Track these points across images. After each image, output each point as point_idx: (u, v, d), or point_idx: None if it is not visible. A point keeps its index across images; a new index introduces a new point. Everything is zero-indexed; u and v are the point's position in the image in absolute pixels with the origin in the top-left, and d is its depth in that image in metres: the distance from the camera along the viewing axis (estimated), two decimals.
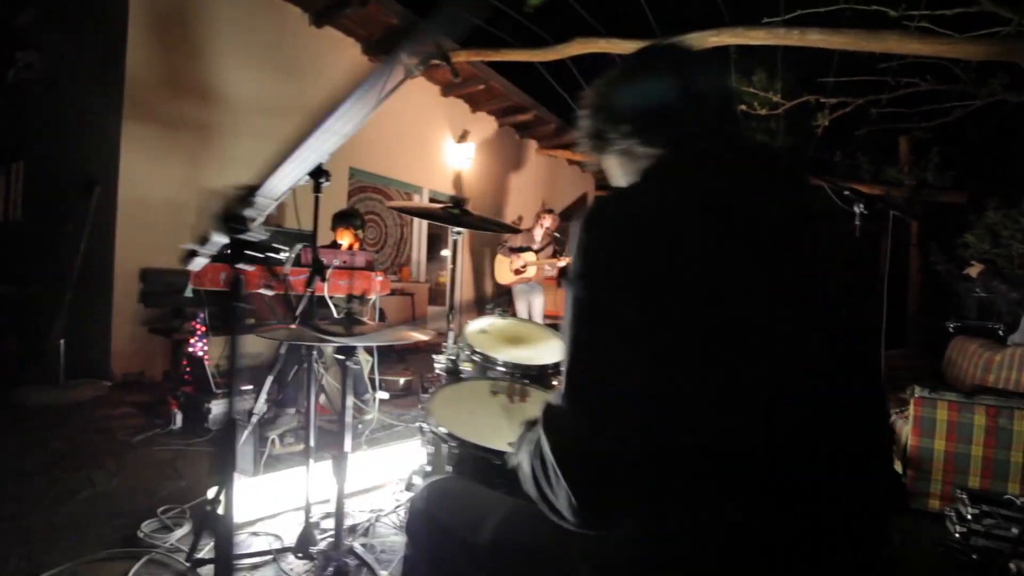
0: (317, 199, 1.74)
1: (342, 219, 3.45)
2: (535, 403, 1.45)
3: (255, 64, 4.91)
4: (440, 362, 1.76)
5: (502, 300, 8.25)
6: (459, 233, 2.05)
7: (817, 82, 4.80)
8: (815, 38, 3.81)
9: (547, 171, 9.58)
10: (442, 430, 1.20)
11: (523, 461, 0.75)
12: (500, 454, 1.10)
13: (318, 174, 1.70)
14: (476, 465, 1.14)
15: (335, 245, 3.54)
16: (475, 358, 1.62)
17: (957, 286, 6.34)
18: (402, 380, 4.35)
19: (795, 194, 0.76)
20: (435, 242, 7.43)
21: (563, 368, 0.69)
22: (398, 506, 2.24)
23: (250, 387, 3.36)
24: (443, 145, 7.14)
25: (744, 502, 0.64)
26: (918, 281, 6.72)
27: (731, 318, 0.66)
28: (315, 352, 3.31)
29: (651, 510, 0.67)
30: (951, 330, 4.05)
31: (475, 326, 1.81)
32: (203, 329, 3.60)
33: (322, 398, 3.49)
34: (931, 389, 2.70)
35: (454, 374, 1.66)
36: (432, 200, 7.11)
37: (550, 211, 5.70)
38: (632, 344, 0.65)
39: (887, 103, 4.58)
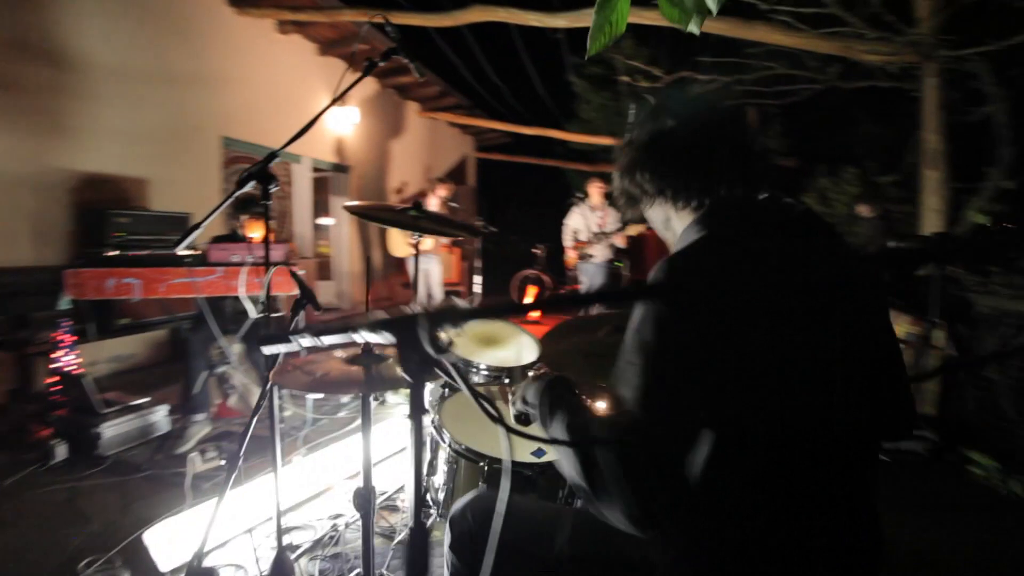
0: (267, 208, 1.57)
1: (245, 207, 3.10)
2: None
3: (119, 22, 4.09)
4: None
5: (390, 271, 8.05)
6: (419, 238, 1.98)
7: (694, 60, 5.27)
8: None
9: (428, 134, 9.32)
10: (462, 446, 1.22)
11: (569, 467, 0.82)
12: (530, 466, 1.15)
13: (266, 179, 1.52)
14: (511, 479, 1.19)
15: (235, 237, 3.20)
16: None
17: None
18: None
19: (832, 248, 0.89)
20: (316, 212, 6.96)
21: (628, 395, 0.76)
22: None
23: (146, 399, 3.00)
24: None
25: (790, 515, 0.78)
26: None
27: (788, 359, 0.77)
28: (222, 348, 3.05)
29: (706, 522, 0.78)
30: None
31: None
32: (70, 339, 3.09)
33: (232, 399, 3.24)
34: None
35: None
36: (316, 169, 6.62)
37: (443, 180, 5.63)
38: (700, 385, 0.74)
39: (750, 82, 5.17)
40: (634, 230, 5.25)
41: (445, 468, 1.33)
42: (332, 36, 6.21)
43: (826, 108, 5.82)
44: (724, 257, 0.81)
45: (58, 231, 3.86)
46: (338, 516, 2.19)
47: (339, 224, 7.24)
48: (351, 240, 7.25)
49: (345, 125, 6.89)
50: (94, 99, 4.03)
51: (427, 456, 1.48)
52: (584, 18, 4.37)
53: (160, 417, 2.98)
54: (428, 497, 1.44)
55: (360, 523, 1.26)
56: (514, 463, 1.19)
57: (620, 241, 5.46)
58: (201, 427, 2.89)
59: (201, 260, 2.56)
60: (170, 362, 4.55)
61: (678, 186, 0.92)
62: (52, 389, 3.05)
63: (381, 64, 1.75)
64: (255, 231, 3.03)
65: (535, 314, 7.03)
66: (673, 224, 0.98)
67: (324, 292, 7.06)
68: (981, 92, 3.67)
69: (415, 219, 1.83)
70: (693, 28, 1.10)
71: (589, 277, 5.60)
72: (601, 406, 1.36)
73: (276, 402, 1.65)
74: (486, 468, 1.20)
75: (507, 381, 1.63)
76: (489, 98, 10.27)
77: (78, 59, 3.96)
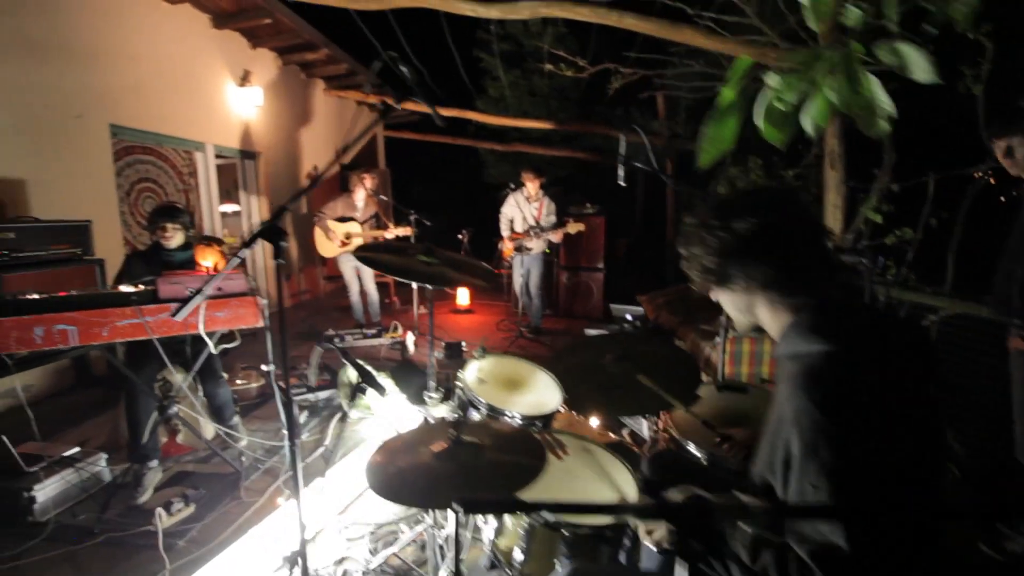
0: (278, 267, 1.44)
1: (169, 215, 2.76)
2: (579, 454, 1.57)
3: None
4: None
5: (308, 264, 7.59)
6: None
7: (621, 54, 5.43)
8: (630, 22, 4.26)
9: (336, 114, 8.76)
10: (548, 516, 1.25)
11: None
12: (613, 527, 1.22)
13: (275, 235, 1.39)
14: (591, 543, 1.25)
15: (158, 252, 2.86)
16: (486, 411, 1.64)
17: None
18: (254, 386, 3.85)
19: (912, 333, 1.04)
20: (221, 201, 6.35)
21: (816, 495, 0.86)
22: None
23: (76, 448, 2.67)
24: (224, 90, 5.93)
25: None
26: (673, 217, 8.38)
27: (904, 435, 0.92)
28: (160, 384, 2.77)
29: None
30: None
31: (471, 376, 1.79)
32: None
33: (180, 435, 2.97)
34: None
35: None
36: (220, 156, 5.98)
37: (367, 171, 5.33)
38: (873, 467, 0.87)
39: (669, 77, 5.46)
40: (573, 228, 5.38)
41: (521, 532, 1.36)
42: (228, 8, 5.56)
43: None
44: (855, 370, 0.92)
45: None
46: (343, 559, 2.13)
47: (248, 214, 6.65)
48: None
49: (248, 107, 6.28)
50: None
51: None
52: (518, 10, 4.33)
53: (101, 467, 2.66)
54: (491, 555, 1.46)
55: None
56: (598, 527, 1.26)
57: (556, 237, 5.58)
58: (155, 473, 2.62)
59: (150, 296, 2.27)
60: (74, 390, 4.01)
61: (781, 280, 1.01)
62: None
63: (398, 109, 1.63)
64: (207, 259, 2.72)
65: (464, 304, 7.05)
66: (759, 312, 1.07)
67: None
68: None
69: (427, 265, 1.77)
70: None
71: (525, 268, 5.67)
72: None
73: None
74: (570, 535, 1.25)
75: (538, 425, 1.67)
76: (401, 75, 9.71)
77: None
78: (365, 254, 1.85)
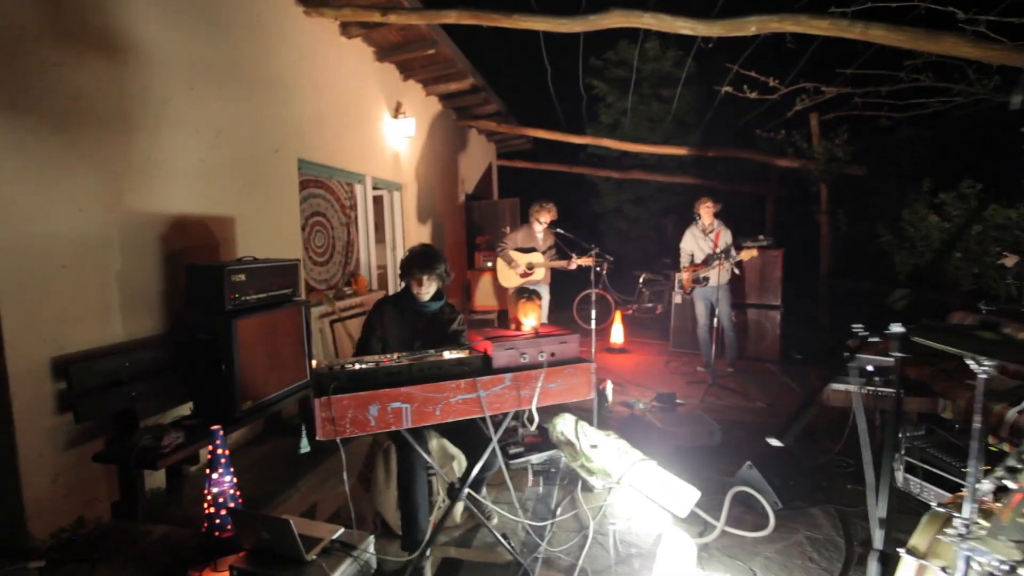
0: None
1: (426, 267, 2.45)
2: None
3: (181, 13, 3.23)
4: None
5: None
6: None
7: (825, 71, 4.90)
8: (877, 33, 3.72)
9: (463, 143, 8.62)
10: None
11: None
12: None
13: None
14: None
15: (409, 298, 2.51)
16: None
17: (864, 249, 7.37)
18: None
19: None
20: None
21: None
22: None
23: (341, 530, 2.31)
24: (381, 122, 5.81)
25: None
26: (827, 245, 7.61)
27: None
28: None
29: None
30: (983, 311, 4.55)
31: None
32: (227, 453, 2.34)
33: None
34: None
35: None
36: (374, 187, 5.82)
37: (547, 203, 5.04)
38: None
39: (878, 95, 4.86)
40: (746, 255, 4.85)
41: None
42: (395, 40, 5.44)
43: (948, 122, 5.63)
44: None
45: (150, 293, 3.02)
46: None
47: (391, 246, 6.45)
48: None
49: (400, 139, 6.14)
50: (168, 121, 3.19)
51: None
52: (745, 27, 3.88)
53: (371, 553, 2.28)
54: None
55: None
56: None
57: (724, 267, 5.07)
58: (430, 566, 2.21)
59: (484, 365, 1.88)
60: (266, 439, 3.75)
61: None
62: (216, 524, 2.29)
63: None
64: (528, 316, 2.35)
65: (619, 342, 6.54)
66: None
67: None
68: None
69: None
70: None
71: (707, 300, 5.18)
72: None
73: None
74: None
75: None
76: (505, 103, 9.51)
77: (144, 64, 3.12)
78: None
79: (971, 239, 5.04)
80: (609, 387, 4.23)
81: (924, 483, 2.89)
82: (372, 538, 2.31)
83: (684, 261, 5.37)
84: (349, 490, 1.94)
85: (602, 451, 3.18)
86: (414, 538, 2.30)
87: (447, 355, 1.87)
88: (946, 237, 5.27)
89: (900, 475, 3.03)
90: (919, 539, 1.63)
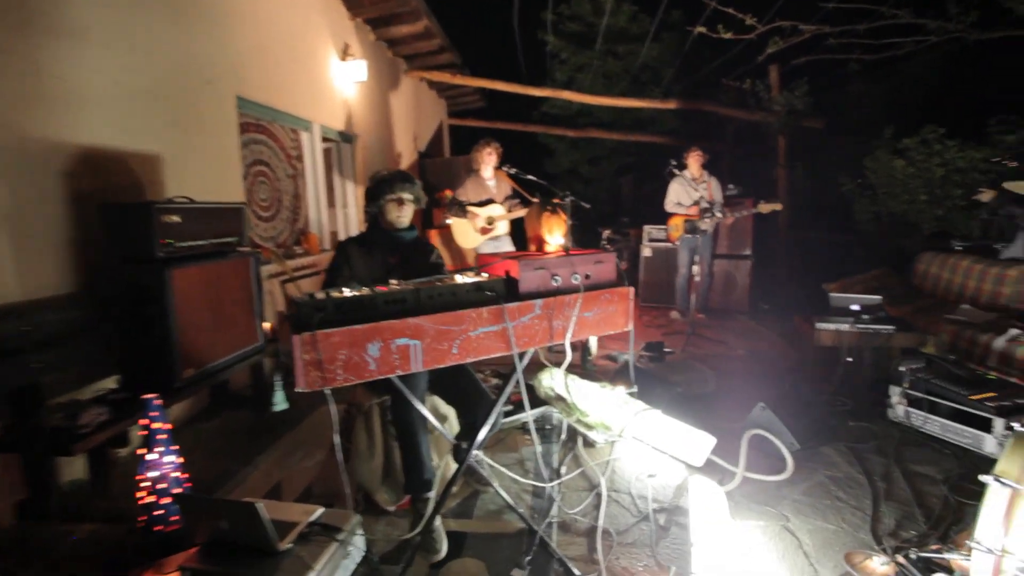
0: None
1: (405, 179, 2.03)
2: None
3: None
4: None
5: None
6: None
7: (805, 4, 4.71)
8: None
9: (414, 97, 8.02)
10: None
11: None
12: None
13: None
14: None
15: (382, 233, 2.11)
16: None
17: (822, 201, 7.46)
18: None
19: None
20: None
21: None
22: None
23: (320, 510, 1.95)
24: (328, 63, 5.19)
25: None
26: (785, 197, 7.66)
27: None
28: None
29: None
30: (958, 248, 4.58)
31: None
32: (164, 427, 1.91)
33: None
34: None
35: None
36: (324, 138, 5.24)
37: (488, 142, 4.50)
38: None
39: (863, 33, 4.74)
40: (767, 208, 4.67)
41: None
42: None
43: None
44: None
45: (55, 241, 2.46)
46: None
47: (343, 203, 5.90)
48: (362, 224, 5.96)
49: (348, 84, 5.55)
50: (70, 29, 2.57)
51: None
52: None
53: (358, 534, 1.92)
54: None
55: None
56: None
57: (728, 220, 4.88)
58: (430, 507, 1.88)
59: (509, 290, 1.52)
60: (215, 414, 3.27)
61: None
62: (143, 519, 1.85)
63: None
64: (553, 232, 1.98)
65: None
66: None
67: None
68: None
69: None
70: None
71: (691, 251, 5.00)
72: None
73: None
74: None
75: None
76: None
77: None
78: None
79: (935, 182, 5.09)
80: (592, 340, 3.98)
81: (928, 415, 2.82)
82: (358, 517, 1.95)
83: (670, 208, 5.14)
84: (340, 456, 1.56)
85: (599, 403, 2.94)
86: (420, 476, 1.99)
87: (459, 279, 1.51)
88: (910, 182, 5.30)
89: (902, 408, 2.95)
90: (1008, 464, 1.45)
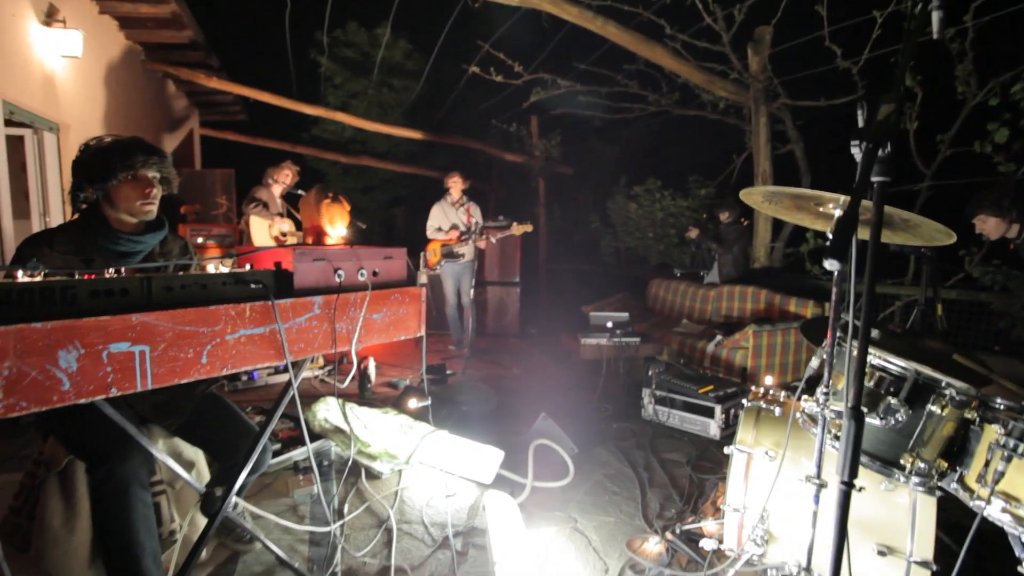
0: None
1: (152, 151, 1.56)
2: None
3: None
4: None
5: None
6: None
7: (562, 64, 5.38)
8: (612, 31, 4.24)
9: (156, 94, 6.76)
10: None
11: None
12: None
13: None
14: None
15: (101, 227, 1.64)
16: None
17: (573, 237, 8.55)
18: None
19: None
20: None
21: None
22: None
23: None
24: (23, 25, 3.99)
25: None
26: (544, 234, 8.59)
27: None
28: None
29: None
30: (677, 275, 5.53)
31: None
32: None
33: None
34: (758, 324, 3.76)
35: None
36: (9, 122, 3.96)
37: (293, 164, 4.24)
38: None
39: (600, 95, 5.59)
40: (519, 229, 4.97)
41: None
42: None
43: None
44: None
45: None
46: None
47: (40, 211, 4.53)
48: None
49: (55, 56, 4.37)
50: None
51: None
52: None
53: None
54: None
55: None
56: None
57: (482, 244, 5.06)
58: None
59: (280, 284, 1.21)
60: None
61: None
62: None
63: None
64: (336, 223, 1.62)
65: None
66: None
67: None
68: (785, 134, 4.94)
69: None
70: None
71: (456, 277, 5.04)
72: None
73: None
74: None
75: None
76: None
77: None
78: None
79: (658, 223, 6.26)
80: (372, 364, 3.72)
81: (671, 410, 3.31)
82: None
83: (432, 234, 5.14)
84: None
85: (382, 431, 2.72)
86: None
87: (211, 268, 1.17)
88: (641, 222, 6.42)
89: (652, 407, 3.41)
90: (743, 433, 1.72)
